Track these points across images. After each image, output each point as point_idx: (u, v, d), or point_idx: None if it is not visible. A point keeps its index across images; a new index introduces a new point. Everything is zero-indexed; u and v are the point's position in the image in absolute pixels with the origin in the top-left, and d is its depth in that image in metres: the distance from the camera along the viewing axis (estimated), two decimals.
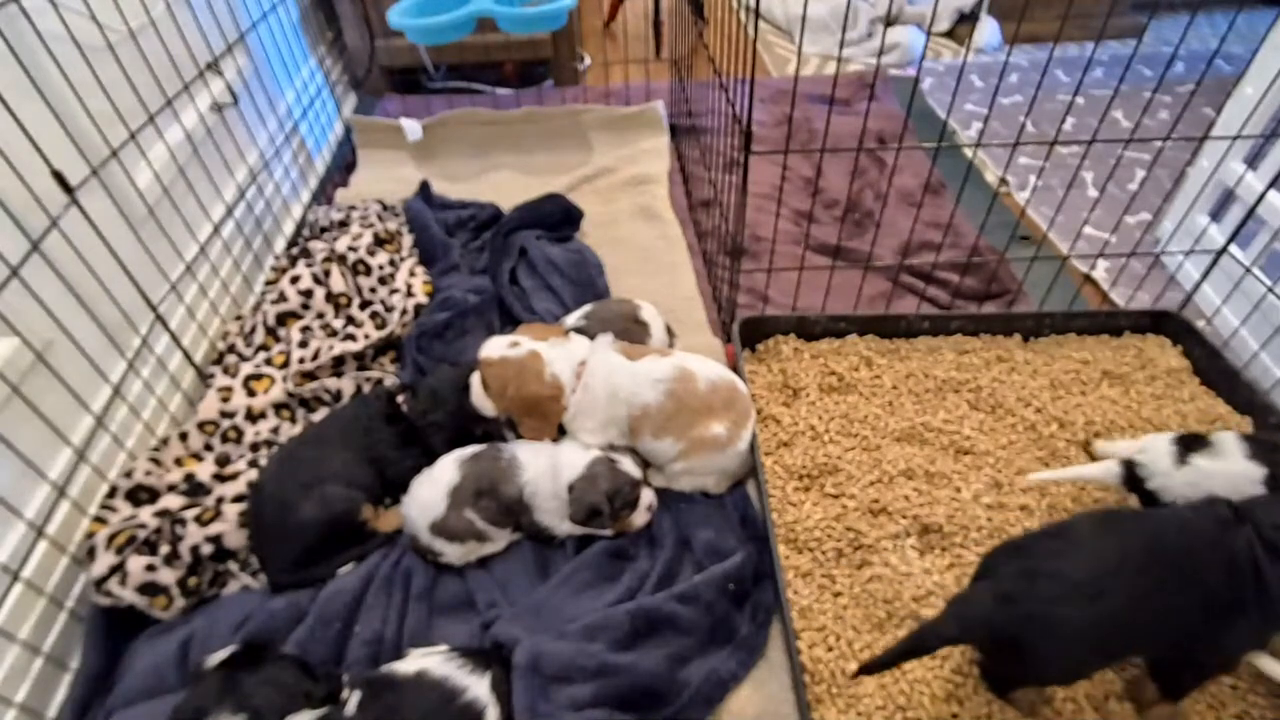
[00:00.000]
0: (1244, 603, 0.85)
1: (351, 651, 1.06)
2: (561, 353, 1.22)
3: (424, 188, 2.02)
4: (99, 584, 1.07)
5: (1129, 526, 0.91)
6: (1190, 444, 1.12)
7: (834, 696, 1.02)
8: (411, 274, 1.69)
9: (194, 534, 1.13)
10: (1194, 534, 0.88)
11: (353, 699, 0.90)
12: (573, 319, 1.43)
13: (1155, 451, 1.12)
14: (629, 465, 1.19)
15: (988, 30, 2.99)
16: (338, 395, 1.43)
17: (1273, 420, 1.30)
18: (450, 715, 0.90)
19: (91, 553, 1.09)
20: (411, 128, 2.25)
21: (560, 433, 1.24)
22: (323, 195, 2.12)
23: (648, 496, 1.21)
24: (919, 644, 0.90)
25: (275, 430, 1.36)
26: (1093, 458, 1.30)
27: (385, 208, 1.93)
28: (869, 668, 0.91)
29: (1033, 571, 0.87)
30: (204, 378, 1.47)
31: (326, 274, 1.60)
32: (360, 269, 1.64)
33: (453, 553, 1.16)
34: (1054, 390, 1.43)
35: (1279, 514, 0.88)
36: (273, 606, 1.09)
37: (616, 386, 1.19)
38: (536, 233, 1.84)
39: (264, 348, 1.51)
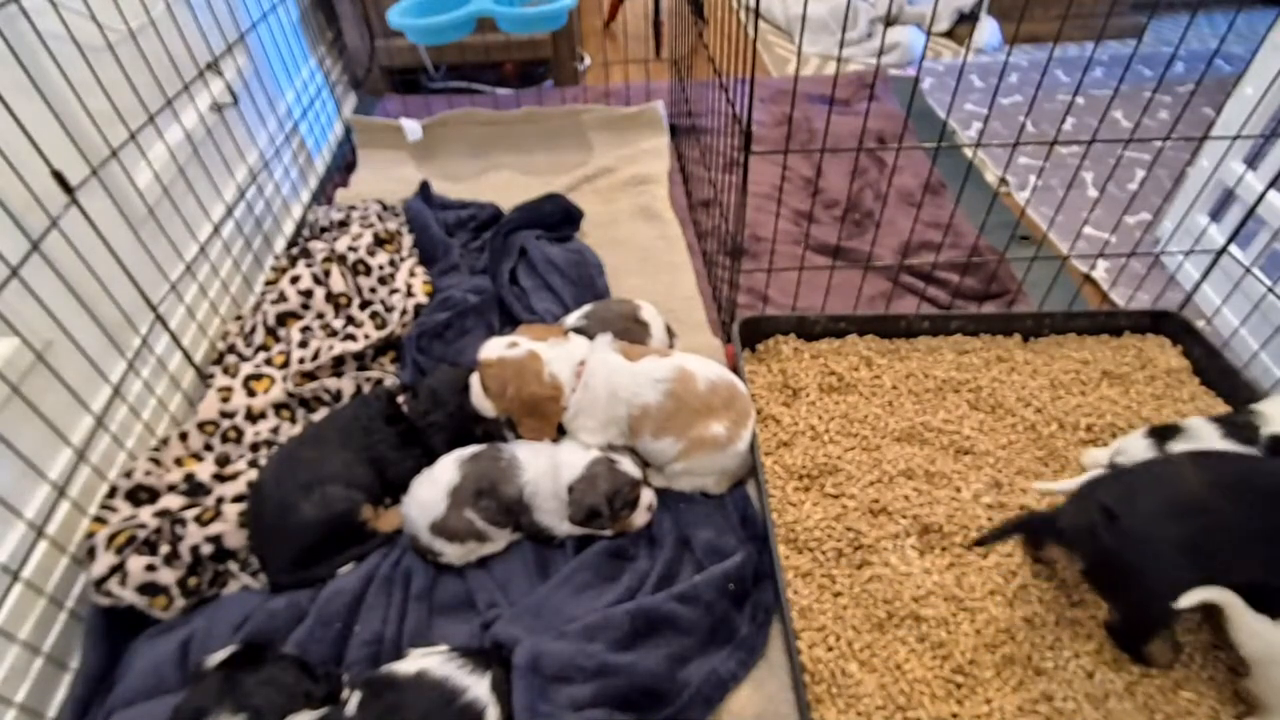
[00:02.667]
0: None
1: (351, 651, 1.06)
2: (560, 353, 1.22)
3: (424, 188, 2.02)
4: (99, 584, 1.07)
5: (1222, 462, 1.00)
6: (1164, 434, 1.15)
7: (834, 696, 1.02)
8: (411, 274, 1.69)
9: (194, 534, 1.13)
10: None
11: (353, 699, 0.90)
12: (573, 319, 1.43)
13: (1133, 450, 1.15)
14: (629, 465, 1.19)
15: (988, 30, 3.00)
16: (338, 395, 1.43)
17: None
18: (450, 715, 0.90)
19: (91, 553, 1.09)
20: (411, 128, 2.25)
21: (560, 433, 1.25)
22: (323, 195, 2.12)
23: (648, 496, 1.21)
24: (1028, 525, 1.02)
25: (275, 430, 1.36)
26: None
27: (385, 208, 1.93)
28: (982, 540, 1.07)
29: (1132, 492, 0.96)
30: (204, 378, 1.47)
31: (326, 274, 1.60)
32: (360, 269, 1.64)
33: (453, 553, 1.16)
34: (1054, 390, 1.43)
35: None
36: (273, 606, 1.09)
37: (616, 386, 1.19)
38: (536, 233, 1.84)
39: (264, 348, 1.51)
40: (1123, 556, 0.95)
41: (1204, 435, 1.12)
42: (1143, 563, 0.95)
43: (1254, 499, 0.94)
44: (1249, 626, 0.94)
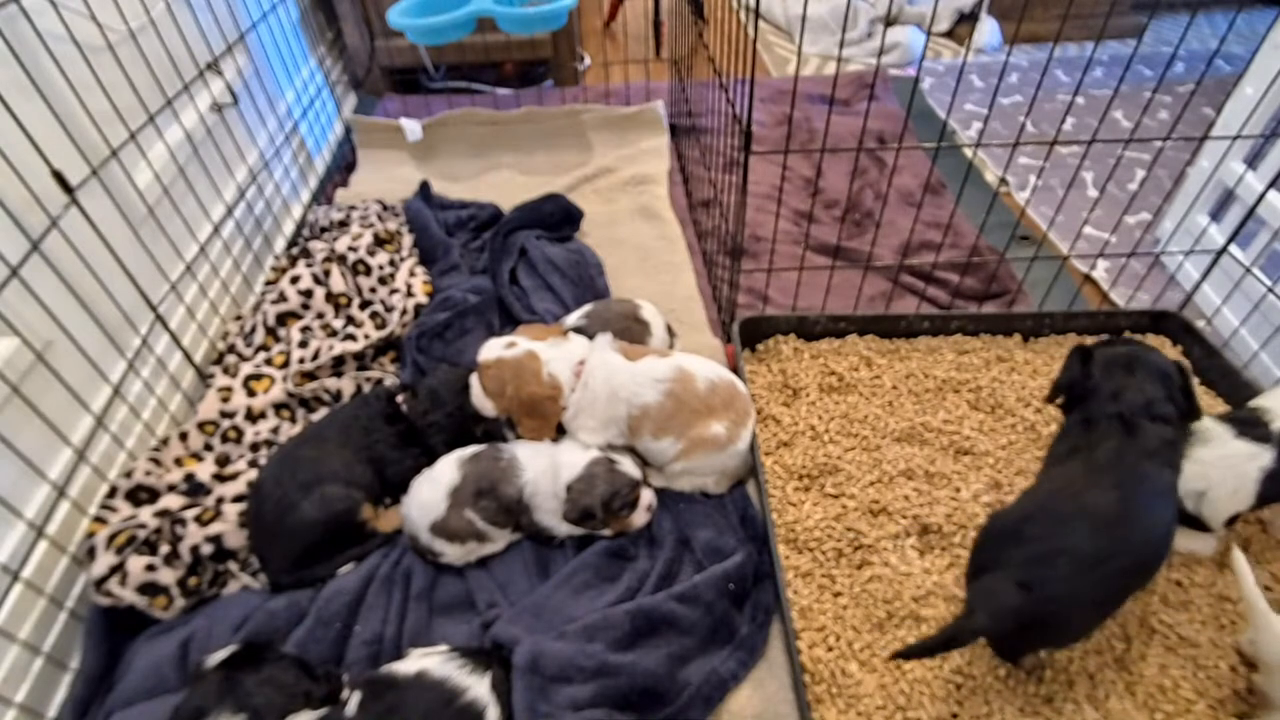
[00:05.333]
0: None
1: (351, 651, 1.06)
2: (560, 352, 1.22)
3: (424, 188, 2.02)
4: (99, 584, 1.07)
5: (1100, 493, 0.97)
6: None
7: (834, 696, 1.02)
8: (411, 274, 1.69)
9: (194, 534, 1.13)
10: (1143, 469, 1.00)
11: (353, 699, 0.90)
12: (573, 319, 1.43)
13: None
14: (628, 466, 1.18)
15: (988, 30, 3.00)
16: (338, 395, 1.43)
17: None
18: (450, 715, 0.90)
19: (91, 553, 1.09)
20: (411, 128, 2.25)
21: (560, 432, 1.25)
22: (323, 195, 2.12)
23: (647, 497, 1.21)
24: (954, 638, 0.94)
25: (275, 430, 1.36)
26: None
27: (385, 208, 1.93)
28: (906, 654, 0.95)
29: (1042, 555, 0.93)
30: (204, 378, 1.47)
31: (326, 274, 1.60)
32: (360, 269, 1.64)
33: (453, 553, 1.16)
34: None
35: (1140, 395, 1.05)
36: (273, 606, 1.09)
37: (616, 386, 1.19)
38: (536, 233, 1.84)
39: (264, 348, 1.51)
40: (1045, 621, 0.94)
41: (1216, 435, 1.10)
42: (1063, 623, 0.95)
43: (1138, 513, 0.96)
44: (1274, 629, 0.94)
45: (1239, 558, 1.00)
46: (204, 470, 1.25)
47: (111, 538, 1.09)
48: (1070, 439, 1.10)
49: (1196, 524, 1.11)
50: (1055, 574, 0.91)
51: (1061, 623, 0.95)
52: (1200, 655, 1.05)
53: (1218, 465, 1.08)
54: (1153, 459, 1.00)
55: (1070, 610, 0.94)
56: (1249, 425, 1.11)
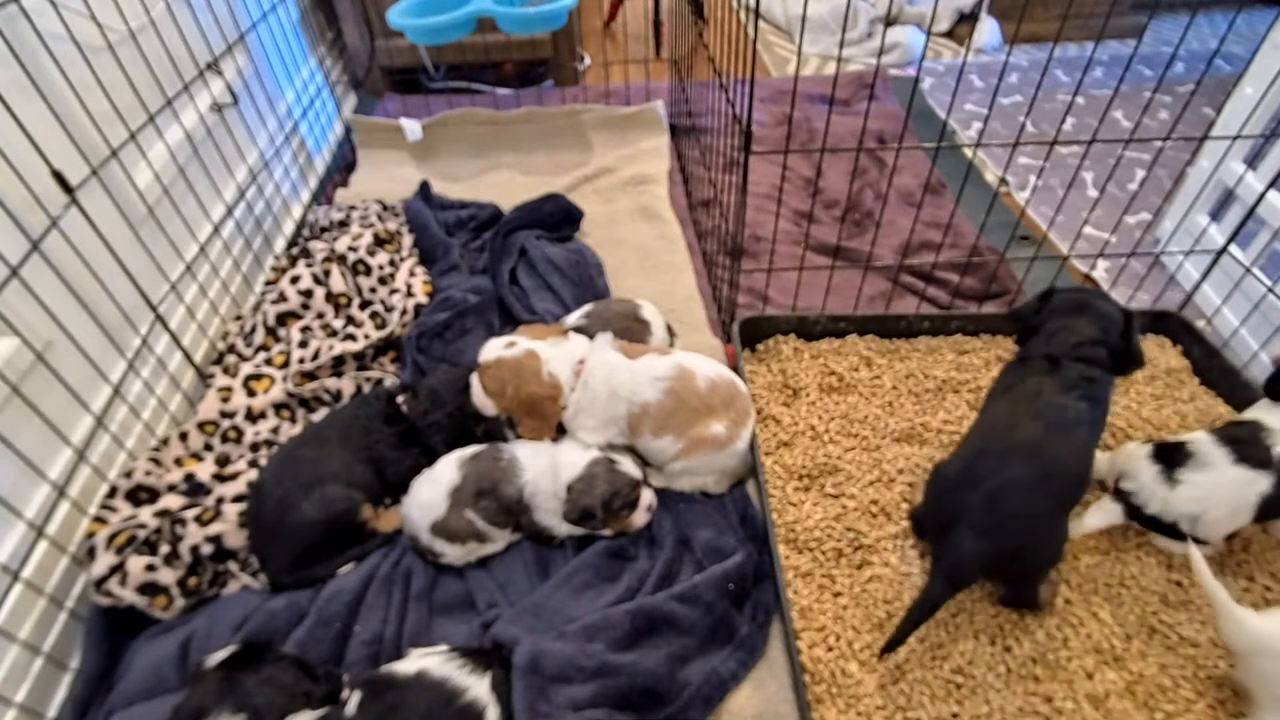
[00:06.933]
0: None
1: (351, 651, 1.06)
2: (559, 352, 1.22)
3: (424, 188, 2.02)
4: (99, 584, 1.07)
5: (1025, 427, 1.04)
6: (1170, 458, 1.10)
7: (834, 696, 1.02)
8: (411, 274, 1.69)
9: (194, 534, 1.13)
10: (1059, 401, 1.06)
11: (353, 699, 0.90)
12: (573, 318, 1.43)
13: (1140, 478, 1.11)
14: (628, 466, 1.18)
15: (988, 30, 3.00)
16: (338, 395, 1.43)
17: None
18: (450, 715, 0.90)
19: (91, 553, 1.09)
20: (411, 128, 2.25)
21: (560, 432, 1.24)
22: (323, 195, 2.12)
23: (647, 497, 1.21)
24: (923, 614, 0.99)
25: (275, 430, 1.36)
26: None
27: (385, 208, 1.93)
28: (891, 645, 1.00)
29: (995, 493, 1.00)
30: (204, 378, 1.47)
31: (326, 274, 1.60)
32: (360, 269, 1.64)
33: (453, 553, 1.16)
34: None
35: (1072, 336, 1.11)
36: (273, 606, 1.09)
37: (616, 385, 1.19)
38: (536, 233, 1.84)
39: (264, 348, 1.51)
40: (1017, 552, 1.02)
41: (1213, 461, 1.07)
42: (1031, 547, 1.03)
43: (1065, 424, 1.05)
44: (1234, 618, 0.95)
45: (1194, 552, 1.00)
46: (204, 470, 1.25)
47: (111, 538, 1.09)
48: (1007, 376, 1.16)
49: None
50: (1006, 507, 0.99)
51: (1030, 547, 1.02)
52: (1200, 655, 1.05)
53: (1214, 491, 1.06)
54: (1068, 392, 1.07)
55: (1028, 532, 1.01)
56: (1247, 447, 1.08)
